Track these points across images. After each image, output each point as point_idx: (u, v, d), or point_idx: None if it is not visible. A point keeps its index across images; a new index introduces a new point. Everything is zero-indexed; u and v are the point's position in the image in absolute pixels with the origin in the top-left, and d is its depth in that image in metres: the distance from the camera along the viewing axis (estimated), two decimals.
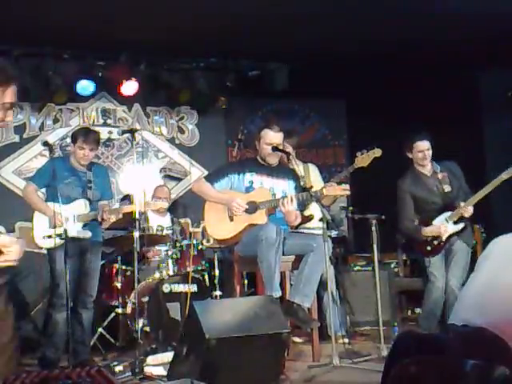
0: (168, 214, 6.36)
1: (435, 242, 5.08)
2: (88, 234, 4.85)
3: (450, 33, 6.01)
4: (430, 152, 5.12)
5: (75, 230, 4.78)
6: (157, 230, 5.69)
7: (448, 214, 5.07)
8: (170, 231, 5.85)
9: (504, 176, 4.89)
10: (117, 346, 5.47)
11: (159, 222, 5.89)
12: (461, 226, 5.06)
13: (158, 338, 5.24)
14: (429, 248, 5.11)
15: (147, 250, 5.76)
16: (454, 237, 5.08)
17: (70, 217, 4.77)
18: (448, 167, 5.21)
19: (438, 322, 5.14)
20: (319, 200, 4.55)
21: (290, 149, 5.44)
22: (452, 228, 5.06)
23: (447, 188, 5.13)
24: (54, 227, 4.57)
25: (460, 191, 5.15)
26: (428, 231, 5.09)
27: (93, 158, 5.07)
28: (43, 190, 4.94)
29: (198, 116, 7.47)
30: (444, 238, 5.06)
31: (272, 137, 4.75)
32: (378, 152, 4.94)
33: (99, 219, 4.84)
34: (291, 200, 4.53)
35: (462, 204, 5.00)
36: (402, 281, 6.52)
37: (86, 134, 4.90)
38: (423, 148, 5.10)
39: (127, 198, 6.04)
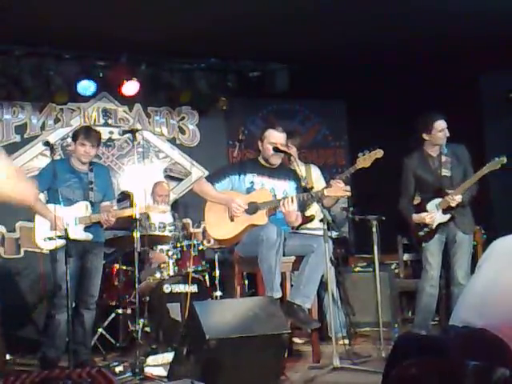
0: (169, 208, 6.32)
1: (426, 229, 5.06)
2: (89, 237, 4.85)
3: (451, 33, 6.01)
4: (447, 132, 5.06)
5: (76, 232, 4.77)
6: (159, 227, 5.70)
7: (439, 200, 5.03)
8: (173, 227, 5.85)
9: (485, 170, 4.86)
10: (117, 347, 5.47)
11: (161, 219, 5.88)
12: (447, 217, 5.01)
13: (159, 339, 5.25)
14: (421, 233, 5.08)
15: (150, 252, 5.77)
16: (451, 226, 5.03)
17: (72, 219, 4.76)
18: (454, 151, 5.13)
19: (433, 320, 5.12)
20: (320, 201, 4.55)
21: (294, 149, 5.48)
22: (440, 217, 5.02)
23: (446, 172, 5.07)
24: (55, 229, 4.57)
25: (463, 177, 5.08)
26: (416, 219, 5.08)
27: (94, 157, 5.07)
28: (44, 192, 4.94)
29: (198, 116, 7.47)
30: (434, 226, 5.03)
31: (276, 137, 4.76)
32: (379, 153, 4.93)
33: (103, 222, 4.83)
34: (292, 201, 4.53)
35: (449, 191, 4.97)
36: (403, 282, 6.51)
37: (87, 131, 4.92)
38: (444, 126, 5.03)
39: (126, 198, 6.04)
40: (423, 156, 5.17)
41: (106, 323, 5.52)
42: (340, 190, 4.66)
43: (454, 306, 4.86)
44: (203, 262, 5.78)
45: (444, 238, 5.09)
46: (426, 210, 5.08)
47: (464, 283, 4.93)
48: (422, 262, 5.17)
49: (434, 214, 5.02)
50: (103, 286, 5.23)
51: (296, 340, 5.31)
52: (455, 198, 4.93)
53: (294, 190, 4.84)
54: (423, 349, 2.21)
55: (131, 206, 5.53)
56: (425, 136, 5.11)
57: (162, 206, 5.49)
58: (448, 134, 5.06)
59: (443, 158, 5.10)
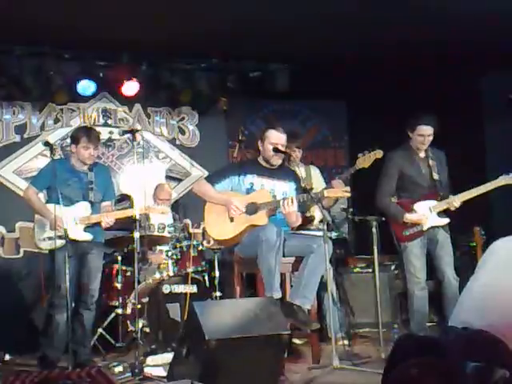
0: (169, 210, 6.33)
1: (415, 229, 4.99)
2: (89, 237, 4.84)
3: (451, 34, 6.00)
4: (431, 138, 5.02)
5: (76, 232, 4.77)
6: (158, 228, 5.69)
7: (433, 203, 4.98)
8: (172, 228, 5.85)
9: (502, 181, 4.84)
10: (116, 347, 5.46)
11: (161, 219, 5.89)
12: (445, 220, 5.00)
13: (158, 339, 5.24)
14: (406, 233, 5.01)
15: (150, 252, 5.77)
16: (434, 227, 5.01)
17: (71, 219, 4.75)
18: (438, 156, 5.14)
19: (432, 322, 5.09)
20: (320, 201, 4.55)
21: (301, 151, 5.52)
22: (435, 220, 4.98)
23: (436, 176, 5.05)
24: (55, 229, 4.56)
25: (446, 182, 5.09)
26: (409, 218, 4.99)
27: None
28: (44, 191, 4.94)
29: (198, 117, 7.46)
30: (425, 228, 4.98)
31: (277, 137, 4.75)
32: (379, 153, 4.93)
33: (102, 224, 4.83)
34: (292, 201, 4.53)
35: (451, 196, 4.94)
36: (402, 283, 6.51)
37: (88, 134, 4.88)
38: (424, 133, 4.99)
39: (126, 199, 6.04)
40: (409, 151, 5.12)
41: (106, 323, 5.51)
42: (340, 190, 4.66)
43: (446, 306, 4.92)
44: (203, 263, 5.78)
45: (426, 239, 5.06)
46: (409, 210, 5.04)
47: (454, 281, 4.93)
48: (403, 263, 5.13)
49: (427, 216, 4.99)
50: (103, 287, 5.24)
51: (295, 341, 5.31)
52: (457, 203, 4.92)
53: (294, 190, 4.84)
54: (423, 349, 2.21)
55: (131, 206, 5.53)
56: (409, 133, 5.09)
57: (162, 206, 5.49)
58: (428, 142, 5.02)
59: (430, 162, 5.09)
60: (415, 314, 5.10)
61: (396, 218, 5.05)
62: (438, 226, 5.01)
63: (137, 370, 4.40)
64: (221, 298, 5.63)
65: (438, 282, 5.19)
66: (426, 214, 4.98)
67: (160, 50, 6.42)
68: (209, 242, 5.99)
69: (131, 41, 5.99)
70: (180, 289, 5.46)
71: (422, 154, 5.11)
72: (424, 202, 5.01)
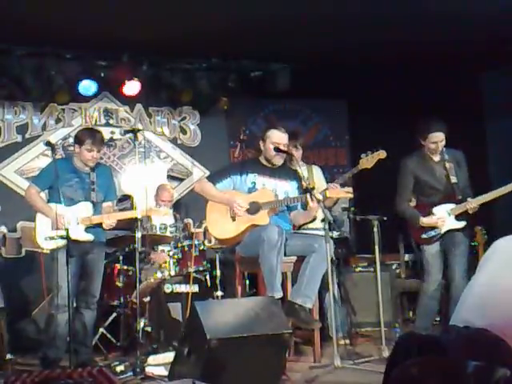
0: (170, 211, 6.33)
1: (433, 233, 5.02)
2: (90, 237, 4.84)
3: (453, 33, 6.00)
4: (443, 143, 5.03)
5: (78, 232, 4.76)
6: (160, 228, 5.70)
7: (451, 206, 5.00)
8: (174, 228, 5.85)
9: None
10: (118, 346, 5.47)
11: (162, 220, 5.89)
12: (463, 223, 5.00)
13: (160, 338, 5.25)
14: (424, 236, 5.05)
15: (151, 251, 5.77)
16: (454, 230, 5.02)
17: (73, 219, 4.75)
18: (455, 157, 5.13)
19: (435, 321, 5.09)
20: (322, 201, 4.55)
21: (300, 151, 5.49)
22: (453, 223, 5.00)
23: (454, 179, 5.05)
24: (57, 229, 4.56)
25: (465, 182, 5.10)
26: (425, 222, 5.03)
27: None
28: (46, 191, 4.94)
29: (199, 116, 7.46)
30: (443, 231, 5.01)
31: (279, 137, 4.76)
32: (382, 154, 4.92)
33: (104, 224, 4.83)
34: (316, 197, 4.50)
35: (470, 199, 4.95)
36: (404, 282, 6.52)
37: (93, 136, 4.82)
38: (437, 140, 5.00)
39: (126, 199, 6.04)
40: (424, 158, 5.13)
41: (107, 323, 5.51)
42: (342, 191, 4.66)
43: (451, 305, 4.92)
44: (204, 262, 5.77)
45: (445, 239, 5.07)
46: (428, 213, 5.06)
47: (463, 282, 4.93)
48: (423, 263, 5.16)
49: (444, 219, 5.00)
50: (104, 286, 5.23)
51: (297, 340, 5.32)
52: (474, 206, 4.92)
53: (296, 189, 4.85)
54: (424, 349, 2.21)
55: (132, 207, 5.53)
56: (421, 141, 5.11)
57: (164, 208, 5.49)
58: (441, 147, 5.03)
59: (447, 165, 5.09)
60: (424, 313, 5.14)
61: (413, 222, 5.10)
62: (457, 230, 5.02)
63: (138, 370, 4.41)
64: (222, 297, 5.63)
65: (446, 281, 5.20)
66: (444, 217, 5.00)
67: (161, 50, 6.42)
68: (210, 242, 5.99)
69: (132, 41, 5.99)
70: (181, 288, 5.47)
71: (437, 158, 5.12)
72: (442, 205, 5.03)
